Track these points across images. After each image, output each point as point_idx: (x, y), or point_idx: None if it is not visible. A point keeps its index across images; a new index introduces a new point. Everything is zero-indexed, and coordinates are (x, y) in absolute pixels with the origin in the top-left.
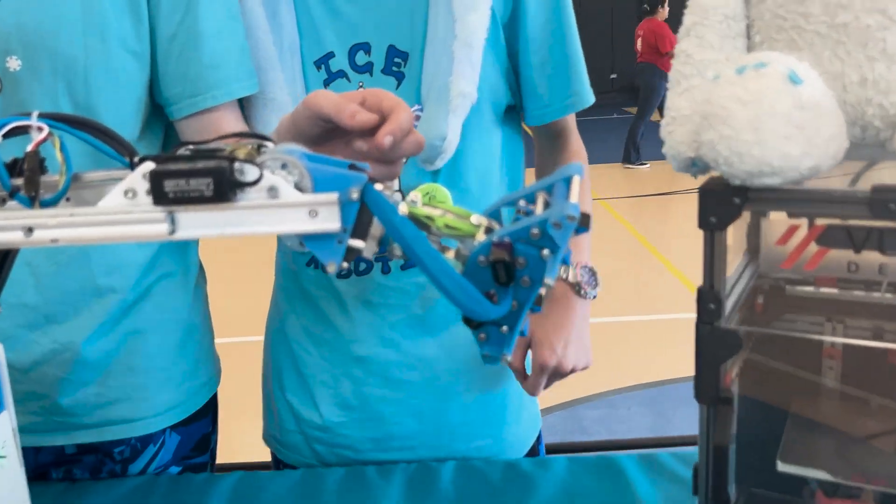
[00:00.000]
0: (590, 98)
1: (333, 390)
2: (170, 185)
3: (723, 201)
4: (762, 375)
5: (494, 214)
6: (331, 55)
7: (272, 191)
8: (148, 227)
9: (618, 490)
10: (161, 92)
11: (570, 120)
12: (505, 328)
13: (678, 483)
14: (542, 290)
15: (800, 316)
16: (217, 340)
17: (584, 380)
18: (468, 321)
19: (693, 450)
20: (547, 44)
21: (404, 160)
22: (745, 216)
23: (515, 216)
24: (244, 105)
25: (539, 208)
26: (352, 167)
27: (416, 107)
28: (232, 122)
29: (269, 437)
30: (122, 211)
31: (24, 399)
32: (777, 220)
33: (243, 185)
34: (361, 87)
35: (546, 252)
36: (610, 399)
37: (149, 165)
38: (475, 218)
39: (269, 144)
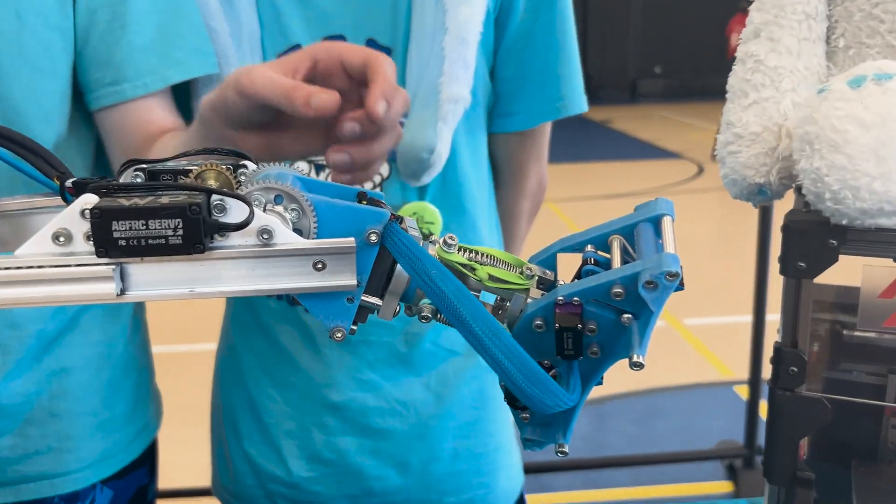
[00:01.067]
0: (582, 104)
1: (301, 441)
2: (121, 229)
3: (816, 243)
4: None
5: (548, 262)
6: (297, 49)
7: (265, 235)
8: (87, 287)
9: None
10: (80, 76)
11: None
12: None
13: None
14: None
15: (858, 365)
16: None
17: None
18: (512, 399)
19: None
20: (534, 44)
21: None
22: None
23: (582, 267)
24: (194, 105)
25: (616, 257)
26: (361, 197)
27: None
28: (162, 115)
29: (220, 490)
30: (49, 263)
31: None
32: (877, 265)
33: (224, 228)
34: None
35: (628, 317)
36: None
37: (90, 199)
38: (527, 268)
39: (250, 165)
